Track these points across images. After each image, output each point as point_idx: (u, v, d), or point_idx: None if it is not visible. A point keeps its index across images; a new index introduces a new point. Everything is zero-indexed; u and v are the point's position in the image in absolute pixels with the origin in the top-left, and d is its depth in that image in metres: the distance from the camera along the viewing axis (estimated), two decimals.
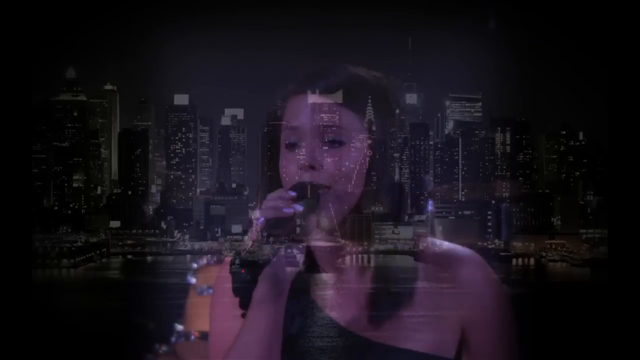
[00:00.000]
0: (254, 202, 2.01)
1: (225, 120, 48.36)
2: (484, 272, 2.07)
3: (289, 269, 1.93)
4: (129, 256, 43.05)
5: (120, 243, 43.68)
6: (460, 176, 45.84)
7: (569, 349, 21.76)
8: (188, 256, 41.37)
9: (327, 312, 2.04)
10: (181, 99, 47.93)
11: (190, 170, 47.90)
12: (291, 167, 2.02)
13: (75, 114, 46.87)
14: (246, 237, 1.94)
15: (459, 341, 2.03)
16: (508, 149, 46.48)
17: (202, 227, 44.59)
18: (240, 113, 48.06)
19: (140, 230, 44.12)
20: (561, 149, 47.04)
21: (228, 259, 1.96)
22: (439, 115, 48.21)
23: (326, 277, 2.06)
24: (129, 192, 46.31)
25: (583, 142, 47.01)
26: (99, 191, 47.14)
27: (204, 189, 48.08)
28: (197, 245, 43.12)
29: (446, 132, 47.61)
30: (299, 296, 2.01)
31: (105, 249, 43.19)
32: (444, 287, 2.05)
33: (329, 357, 2.00)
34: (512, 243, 43.17)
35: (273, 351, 1.92)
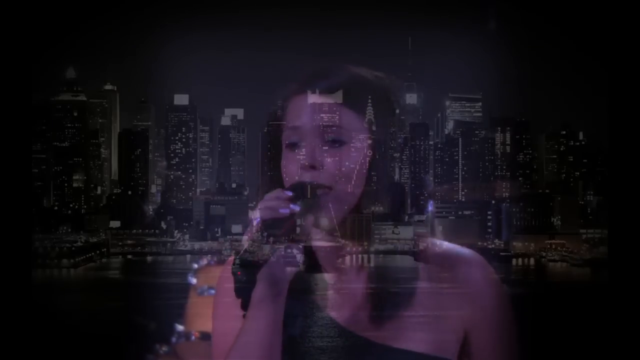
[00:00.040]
0: (254, 202, 2.01)
1: (225, 120, 48.37)
2: (485, 272, 2.07)
3: (288, 269, 1.93)
4: (129, 256, 43.04)
5: (120, 243, 43.67)
6: (460, 176, 45.83)
7: (569, 349, 21.75)
8: (188, 256, 41.37)
9: (327, 312, 2.04)
10: (181, 99, 47.93)
11: (190, 170, 47.90)
12: (292, 167, 2.02)
13: (75, 114, 46.87)
14: (244, 237, 1.94)
15: (460, 342, 2.03)
16: (508, 149, 46.47)
17: (202, 227, 44.58)
18: (240, 113, 48.08)
19: (140, 230, 44.11)
20: (561, 149, 47.03)
21: (231, 259, 1.96)
22: (439, 115, 48.22)
23: (326, 277, 2.06)
24: (129, 192, 46.31)
25: (583, 142, 47.00)
26: (99, 191, 47.13)
27: (204, 189, 48.08)
28: (197, 245, 43.12)
29: (446, 132, 47.61)
30: (299, 296, 2.01)
31: (105, 249, 43.19)
32: (444, 288, 2.05)
33: (329, 357, 2.00)
34: (512, 243, 43.16)
35: (273, 351, 1.92)
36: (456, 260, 2.07)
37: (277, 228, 1.91)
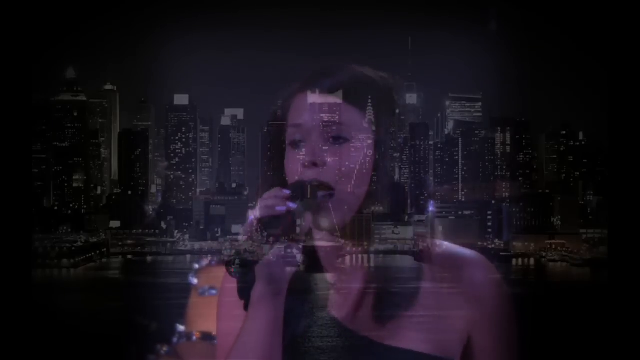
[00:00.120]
0: (254, 202, 2.01)
1: (225, 120, 48.35)
2: (489, 273, 2.07)
3: (287, 269, 1.93)
4: (129, 256, 43.02)
5: (120, 243, 43.65)
6: (460, 176, 45.82)
7: (569, 349, 21.75)
8: (188, 256, 41.37)
9: (326, 312, 2.04)
10: (181, 99, 47.91)
11: (190, 170, 47.88)
12: (295, 165, 2.02)
13: (75, 114, 46.85)
14: (240, 236, 1.94)
15: (464, 342, 2.03)
16: (508, 149, 46.45)
17: (202, 227, 44.57)
18: (240, 113, 48.05)
19: (140, 230, 44.10)
20: (561, 149, 47.01)
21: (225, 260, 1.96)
22: (439, 115, 48.19)
23: (326, 277, 2.06)
24: (129, 192, 46.30)
25: (583, 142, 46.98)
26: (99, 191, 47.12)
27: (204, 189, 48.07)
28: (197, 245, 43.10)
29: (446, 132, 47.59)
30: (299, 296, 2.01)
31: (105, 249, 43.17)
32: (446, 288, 2.05)
33: (329, 357, 2.00)
34: (512, 243, 43.14)
35: (274, 350, 1.92)
36: (459, 262, 2.07)
37: (275, 226, 1.91)
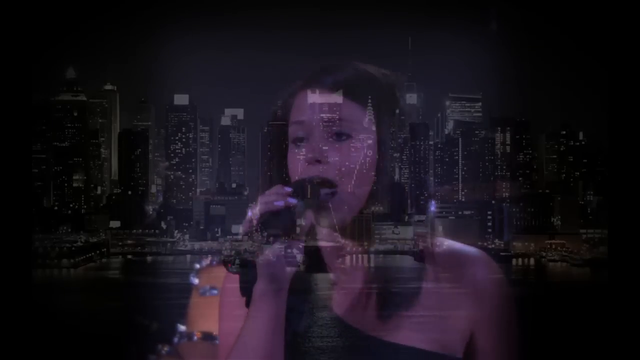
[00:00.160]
0: (254, 202, 2.01)
1: (225, 120, 48.32)
2: (492, 271, 2.07)
3: (288, 269, 1.93)
4: (129, 256, 43.01)
5: (120, 243, 43.64)
6: (460, 176, 45.81)
7: (569, 349, 21.74)
8: (188, 256, 41.36)
9: (326, 312, 2.04)
10: (181, 99, 47.88)
11: (190, 170, 47.87)
12: (297, 162, 2.02)
13: (75, 114, 46.84)
14: (240, 234, 1.94)
15: (466, 340, 2.03)
16: (508, 149, 46.44)
17: (202, 227, 44.56)
18: (240, 113, 48.02)
19: (140, 230, 44.09)
20: (561, 149, 47.00)
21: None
22: (439, 115, 48.17)
23: (326, 276, 2.06)
24: (129, 192, 46.29)
25: (583, 142, 46.97)
26: (99, 191, 47.11)
27: (204, 189, 48.05)
28: (197, 245, 43.09)
29: (446, 132, 47.57)
30: (299, 295, 2.01)
31: (105, 249, 43.16)
32: (449, 287, 2.04)
33: (328, 357, 2.00)
34: (512, 243, 43.13)
35: (275, 349, 1.92)
36: (462, 259, 2.07)
37: (275, 226, 1.91)
